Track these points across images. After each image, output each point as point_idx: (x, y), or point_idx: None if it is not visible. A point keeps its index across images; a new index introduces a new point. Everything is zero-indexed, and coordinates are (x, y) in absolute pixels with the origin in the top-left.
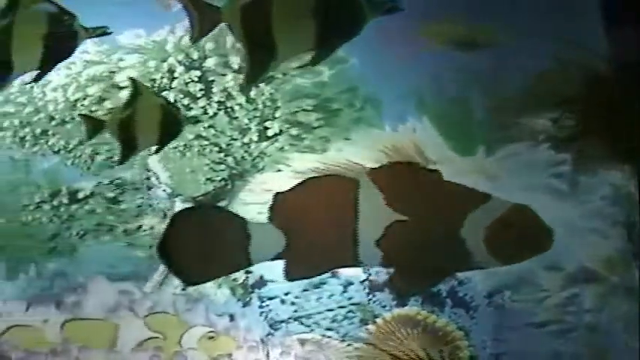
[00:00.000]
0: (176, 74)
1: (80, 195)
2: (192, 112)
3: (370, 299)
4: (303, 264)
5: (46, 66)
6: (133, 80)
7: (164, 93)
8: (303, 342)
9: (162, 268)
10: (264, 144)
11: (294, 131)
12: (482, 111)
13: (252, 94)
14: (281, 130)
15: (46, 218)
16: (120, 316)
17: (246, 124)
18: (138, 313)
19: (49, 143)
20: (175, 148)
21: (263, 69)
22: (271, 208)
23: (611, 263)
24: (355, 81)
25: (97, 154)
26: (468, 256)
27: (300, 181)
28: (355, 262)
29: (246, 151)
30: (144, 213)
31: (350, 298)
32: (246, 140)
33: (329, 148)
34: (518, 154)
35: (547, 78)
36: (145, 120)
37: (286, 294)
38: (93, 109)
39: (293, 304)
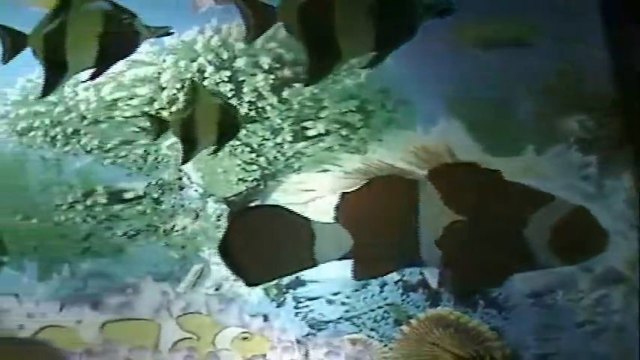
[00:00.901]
0: (206, 74)
1: (127, 195)
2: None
3: (404, 300)
4: (370, 264)
5: (102, 65)
6: (192, 81)
7: None
8: (353, 342)
9: (195, 268)
10: (302, 144)
11: (343, 131)
12: (515, 112)
13: (286, 94)
14: (327, 131)
15: (80, 218)
16: (160, 316)
17: (279, 125)
18: (173, 313)
19: (81, 143)
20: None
21: (328, 69)
22: (337, 209)
23: (634, 264)
24: (388, 82)
25: (149, 154)
26: (532, 256)
27: (365, 181)
28: (418, 263)
29: (279, 152)
30: (176, 213)
31: (385, 299)
32: (278, 140)
33: (368, 149)
34: (553, 155)
35: (572, 79)
36: (203, 120)
37: (335, 294)
38: (146, 109)
39: (343, 304)
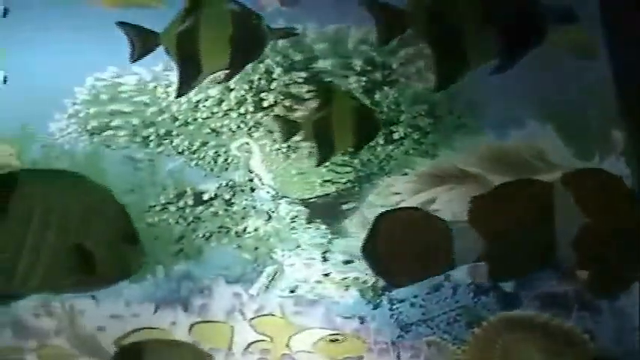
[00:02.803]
0: (274, 75)
1: (204, 197)
2: (297, 114)
3: (476, 302)
4: (506, 265)
5: (235, 66)
6: (329, 82)
7: (263, 94)
8: (430, 344)
9: (268, 270)
10: (390, 147)
11: (415, 135)
12: (596, 119)
13: (377, 97)
14: (405, 134)
15: (173, 219)
16: (233, 318)
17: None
18: (246, 315)
19: (174, 144)
20: (278, 149)
21: (457, 75)
22: (470, 212)
23: None
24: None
25: (219, 155)
26: None
27: (498, 184)
28: (553, 264)
29: (372, 154)
30: (248, 215)
31: (457, 302)
32: (372, 143)
33: (438, 154)
34: (609, 165)
35: None
36: (340, 122)
37: (415, 296)
38: (214, 110)
39: (421, 306)
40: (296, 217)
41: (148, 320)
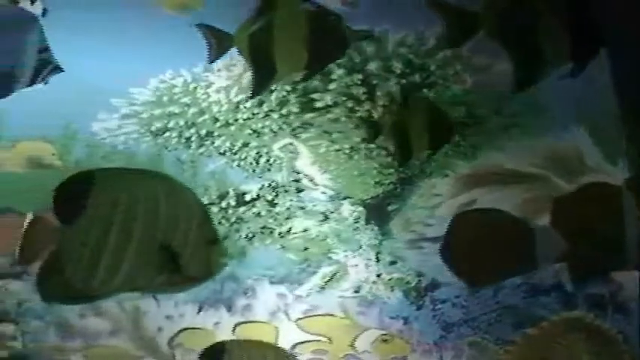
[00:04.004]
0: (334, 76)
1: (247, 197)
2: (358, 115)
3: (530, 302)
4: (585, 267)
5: (314, 67)
6: (400, 85)
7: (315, 95)
8: (471, 345)
9: (325, 270)
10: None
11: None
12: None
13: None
14: None
15: (215, 220)
16: (277, 318)
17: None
18: (291, 315)
19: (215, 145)
20: (339, 150)
21: (537, 77)
22: (553, 213)
23: None
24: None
25: (261, 156)
26: None
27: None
28: (626, 265)
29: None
30: (294, 215)
31: (499, 302)
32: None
33: (478, 155)
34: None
35: None
36: (415, 125)
37: (457, 297)
38: (255, 111)
39: (463, 307)
40: (358, 217)
41: (192, 320)
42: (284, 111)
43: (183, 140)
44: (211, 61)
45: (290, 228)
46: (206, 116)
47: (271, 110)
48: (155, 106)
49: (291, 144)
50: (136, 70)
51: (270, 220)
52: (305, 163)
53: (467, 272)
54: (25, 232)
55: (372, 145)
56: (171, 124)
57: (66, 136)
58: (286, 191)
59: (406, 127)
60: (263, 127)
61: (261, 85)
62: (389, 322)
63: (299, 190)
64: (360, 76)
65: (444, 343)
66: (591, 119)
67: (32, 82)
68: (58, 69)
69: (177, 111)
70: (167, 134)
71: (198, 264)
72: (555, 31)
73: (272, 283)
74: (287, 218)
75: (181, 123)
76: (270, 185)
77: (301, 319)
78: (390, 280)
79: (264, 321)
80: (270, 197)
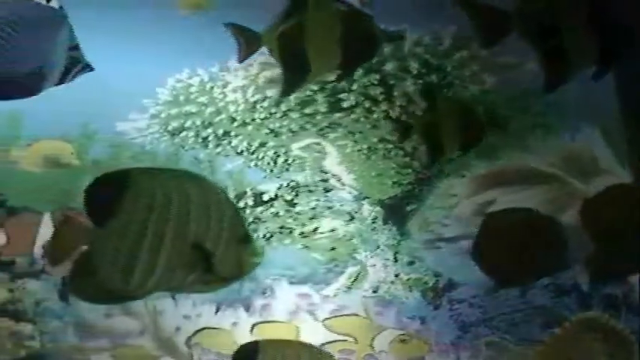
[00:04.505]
0: (355, 76)
1: (265, 197)
2: (375, 115)
3: (556, 302)
4: (610, 267)
5: (347, 68)
6: (429, 85)
7: (342, 95)
8: (488, 344)
9: (350, 270)
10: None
11: None
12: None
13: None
14: None
15: None
16: (299, 318)
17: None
18: (317, 316)
19: (232, 144)
20: (359, 150)
21: (564, 79)
22: (583, 213)
23: None
24: (531, 85)
25: (279, 156)
26: None
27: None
28: None
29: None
30: (320, 215)
31: (527, 302)
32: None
33: (500, 155)
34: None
35: None
36: (446, 125)
37: (474, 297)
38: (272, 111)
39: (480, 307)
40: (376, 217)
41: (210, 320)
42: (308, 110)
43: (200, 140)
44: (241, 61)
45: (316, 228)
46: (223, 116)
47: (289, 110)
48: (172, 105)
49: (317, 143)
50: (153, 69)
51: (290, 220)
52: (332, 162)
53: (498, 272)
54: (55, 232)
55: (390, 146)
56: (188, 124)
57: (85, 135)
58: (310, 191)
59: (437, 127)
60: (281, 127)
61: (293, 84)
62: (406, 322)
63: (327, 190)
64: (377, 77)
65: (462, 343)
66: (603, 121)
67: (61, 81)
68: (88, 67)
69: (194, 110)
70: (184, 134)
71: (230, 263)
72: (581, 32)
73: (292, 283)
74: (312, 218)
75: (198, 122)
76: (289, 185)
77: (329, 319)
78: (407, 280)
79: (284, 321)
80: (289, 197)
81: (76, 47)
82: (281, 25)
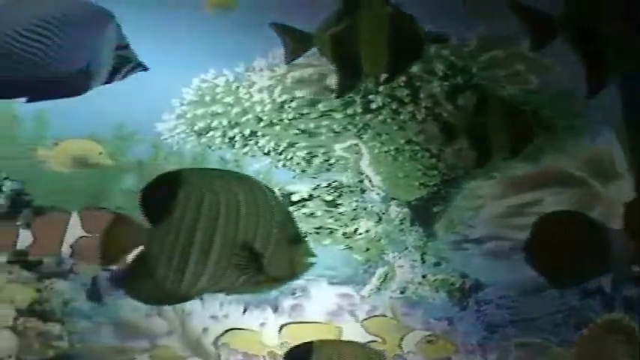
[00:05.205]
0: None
1: (295, 197)
2: (401, 117)
3: (583, 304)
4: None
5: (395, 69)
6: (481, 87)
7: (370, 96)
8: (521, 346)
9: (379, 271)
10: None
11: None
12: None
13: (461, 101)
14: None
15: None
16: (341, 319)
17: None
18: (358, 316)
19: (259, 144)
20: (387, 152)
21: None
22: (626, 216)
23: None
24: (567, 87)
25: (314, 156)
26: None
27: None
28: None
29: (458, 158)
30: (359, 216)
31: (565, 303)
32: (457, 147)
33: (542, 158)
34: None
35: None
36: (495, 128)
37: (501, 298)
38: (304, 111)
39: (508, 308)
40: (404, 219)
41: (237, 321)
42: (349, 111)
43: (226, 140)
44: (288, 62)
45: (356, 229)
46: (249, 116)
47: (331, 110)
48: (198, 105)
49: (355, 144)
50: (178, 69)
51: (330, 221)
52: (365, 164)
53: (550, 272)
54: (108, 232)
55: (417, 147)
56: (214, 124)
57: (118, 136)
58: (352, 192)
59: (485, 129)
60: (319, 127)
61: (347, 85)
62: (433, 323)
63: (362, 191)
64: (403, 78)
65: (489, 344)
66: (618, 124)
67: (110, 80)
68: (140, 66)
69: (220, 110)
70: (211, 134)
71: (281, 264)
72: (620, 37)
73: (332, 283)
74: (352, 219)
75: (225, 122)
76: (330, 185)
77: (365, 319)
78: (434, 281)
79: (321, 321)
80: (330, 197)
81: (125, 46)
82: (333, 26)
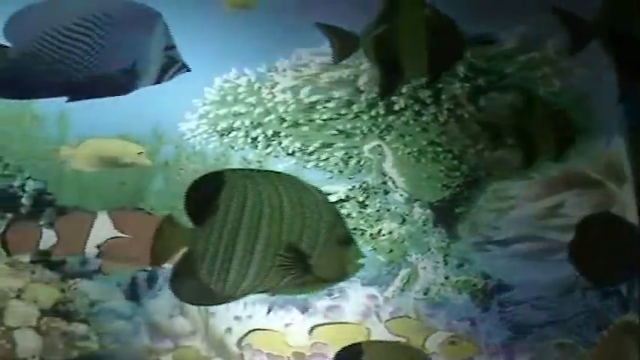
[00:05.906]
0: None
1: (331, 198)
2: (424, 118)
3: (602, 305)
4: None
5: (435, 71)
6: (523, 89)
7: (394, 98)
8: (558, 346)
9: (403, 272)
10: (500, 152)
11: None
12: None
13: (483, 103)
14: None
15: None
16: (368, 320)
17: (478, 132)
18: (382, 317)
19: (282, 145)
20: (410, 153)
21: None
22: None
23: None
24: (584, 91)
25: (350, 157)
26: None
27: None
28: None
29: (480, 159)
30: (383, 217)
31: (587, 304)
32: (479, 147)
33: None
34: None
35: None
36: (540, 129)
37: (524, 299)
38: (342, 112)
39: (531, 308)
40: (427, 220)
41: (261, 321)
42: (373, 112)
43: (249, 140)
44: (336, 62)
45: (380, 230)
46: (272, 116)
47: (361, 111)
48: (220, 105)
49: (379, 146)
50: (200, 69)
51: (362, 222)
52: (389, 165)
53: (592, 272)
54: (157, 233)
55: (439, 149)
56: (237, 124)
57: (154, 136)
58: (376, 193)
59: (529, 130)
60: (354, 129)
61: (389, 86)
62: (456, 324)
63: (386, 192)
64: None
65: (512, 344)
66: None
67: (159, 80)
68: (184, 68)
69: (242, 111)
70: (233, 134)
71: (330, 265)
72: None
73: (362, 284)
74: (377, 220)
75: (247, 123)
76: (361, 187)
77: (389, 320)
78: (457, 282)
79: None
80: (361, 198)
81: (172, 47)
82: (376, 27)
